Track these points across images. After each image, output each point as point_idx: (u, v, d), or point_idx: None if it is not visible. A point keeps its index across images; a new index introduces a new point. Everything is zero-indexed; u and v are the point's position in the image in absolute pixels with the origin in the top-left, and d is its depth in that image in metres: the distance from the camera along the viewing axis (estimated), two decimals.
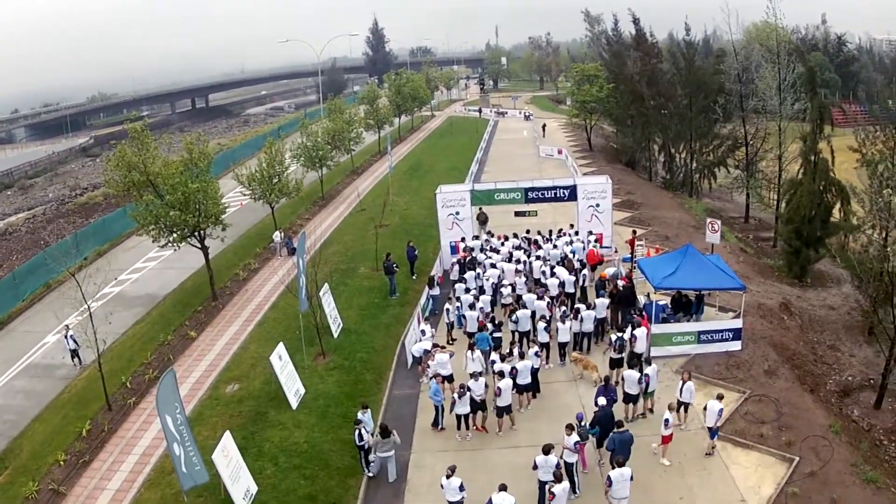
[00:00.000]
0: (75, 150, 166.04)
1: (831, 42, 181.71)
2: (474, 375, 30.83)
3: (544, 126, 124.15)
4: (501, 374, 31.26)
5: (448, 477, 24.48)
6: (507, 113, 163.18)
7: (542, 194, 51.68)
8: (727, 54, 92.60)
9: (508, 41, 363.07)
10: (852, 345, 45.00)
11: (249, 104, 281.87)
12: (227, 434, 25.74)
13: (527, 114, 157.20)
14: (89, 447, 33.01)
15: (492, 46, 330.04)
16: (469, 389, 30.42)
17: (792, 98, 69.66)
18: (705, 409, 28.91)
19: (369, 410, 29.92)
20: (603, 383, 31.12)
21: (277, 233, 60.50)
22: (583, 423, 28.71)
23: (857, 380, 39.15)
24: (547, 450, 25.22)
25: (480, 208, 55.30)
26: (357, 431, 28.68)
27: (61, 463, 31.86)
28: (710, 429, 28.83)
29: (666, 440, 28.54)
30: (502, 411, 30.94)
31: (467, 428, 31.29)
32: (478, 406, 30.96)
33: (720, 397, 29.38)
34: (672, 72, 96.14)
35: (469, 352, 34.44)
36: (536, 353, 34.21)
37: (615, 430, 27.54)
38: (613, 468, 25.06)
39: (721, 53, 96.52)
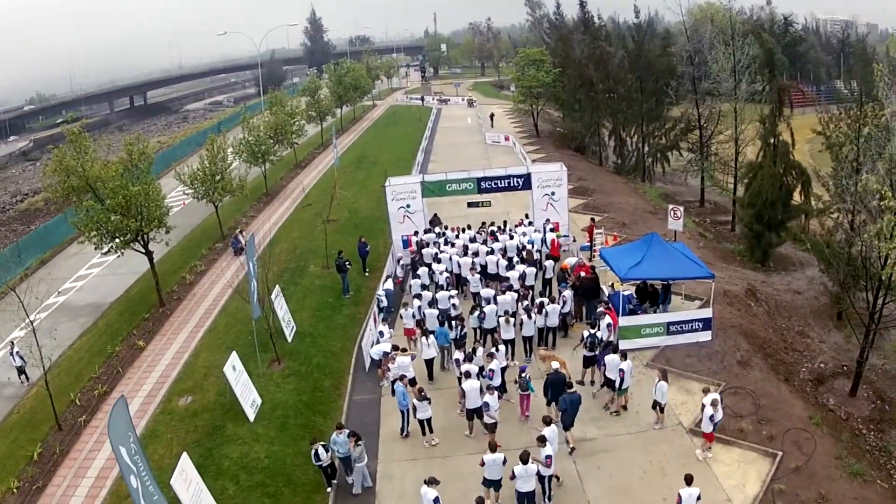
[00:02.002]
0: (15, 154, 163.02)
1: (777, 23, 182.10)
2: (490, 388, 29.26)
3: (492, 115, 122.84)
4: (468, 375, 29.99)
5: (427, 484, 23.43)
6: (449, 100, 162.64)
7: (496, 184, 50.60)
8: (672, 36, 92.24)
9: (447, 28, 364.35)
10: (821, 330, 44.75)
11: (188, 100, 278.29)
12: (185, 456, 24.28)
13: (470, 100, 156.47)
14: (42, 472, 31.33)
15: (430, 34, 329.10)
16: (487, 407, 28.78)
17: (747, 80, 69.12)
18: (703, 407, 28.00)
19: (345, 431, 27.91)
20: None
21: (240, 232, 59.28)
22: (523, 375, 30.68)
23: (829, 367, 38.83)
24: (525, 458, 24.15)
25: (435, 214, 54.11)
26: (314, 451, 27.14)
27: (14, 490, 30.23)
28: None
29: (709, 437, 27.78)
30: (472, 413, 29.81)
31: (431, 432, 30.16)
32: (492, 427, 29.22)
33: (706, 391, 28.71)
34: (621, 55, 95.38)
35: (424, 338, 34.30)
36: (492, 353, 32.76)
37: (565, 391, 28.27)
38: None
39: (667, 35, 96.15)
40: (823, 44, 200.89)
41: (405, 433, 30.87)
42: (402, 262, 47.40)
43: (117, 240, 44.50)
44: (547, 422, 26.28)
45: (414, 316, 37.80)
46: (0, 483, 30.88)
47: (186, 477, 23.75)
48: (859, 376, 35.65)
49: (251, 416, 32.13)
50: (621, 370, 30.21)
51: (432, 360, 34.74)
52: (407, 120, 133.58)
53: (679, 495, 23.19)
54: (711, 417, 27.14)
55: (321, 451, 27.03)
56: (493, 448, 24.98)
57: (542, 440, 25.24)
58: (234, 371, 32.12)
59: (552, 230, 48.19)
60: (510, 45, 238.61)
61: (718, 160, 77.77)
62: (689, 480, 23.39)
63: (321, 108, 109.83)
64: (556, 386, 29.23)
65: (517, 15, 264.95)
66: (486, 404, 28.45)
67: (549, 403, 29.80)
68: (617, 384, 30.61)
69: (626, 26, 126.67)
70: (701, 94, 77.91)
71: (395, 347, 34.53)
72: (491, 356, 31.87)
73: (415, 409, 29.66)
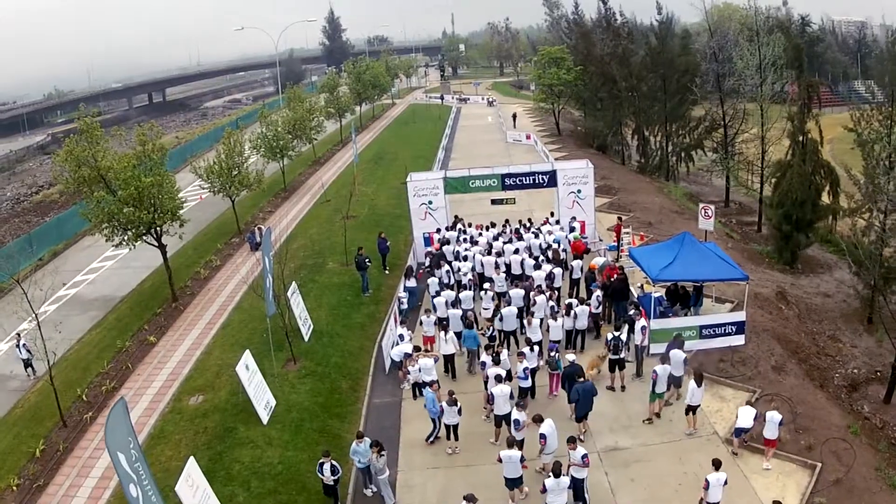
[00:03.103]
0: (33, 148, 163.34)
1: (794, 23, 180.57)
2: (519, 404, 27.41)
3: (515, 115, 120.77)
4: (499, 379, 28.64)
5: (467, 501, 22.02)
6: (469, 99, 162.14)
7: (521, 180, 49.38)
8: (691, 36, 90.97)
9: (464, 28, 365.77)
10: (852, 334, 43.39)
11: (207, 97, 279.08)
12: (192, 461, 22.80)
13: (490, 99, 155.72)
14: (44, 469, 30.11)
15: (448, 34, 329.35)
16: (517, 424, 26.67)
17: (773, 77, 67.47)
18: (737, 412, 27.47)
19: (366, 440, 26.26)
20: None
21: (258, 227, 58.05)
22: (553, 354, 31.22)
23: (862, 372, 37.45)
24: (557, 470, 22.60)
25: (456, 216, 52.60)
26: (320, 465, 25.28)
27: (14, 488, 29.04)
28: (740, 429, 27.02)
29: (771, 444, 26.54)
30: (500, 420, 28.35)
31: (456, 439, 28.60)
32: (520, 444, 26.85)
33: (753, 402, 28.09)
34: (643, 53, 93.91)
35: (442, 332, 33.38)
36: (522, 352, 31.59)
37: (576, 380, 28.27)
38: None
39: (686, 35, 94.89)
40: (840, 44, 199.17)
41: (432, 440, 29.48)
42: (428, 258, 45.96)
43: (129, 232, 43.47)
44: (537, 420, 25.58)
45: (436, 323, 36.13)
46: (1, 479, 29.76)
47: (193, 483, 22.29)
48: (895, 382, 34.26)
49: (264, 419, 30.68)
50: (655, 372, 29.06)
51: (452, 356, 33.73)
52: (426, 118, 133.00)
53: (707, 481, 22.85)
54: (781, 423, 26.23)
55: (327, 468, 25.15)
56: (511, 444, 24.40)
57: (572, 441, 24.18)
58: (248, 370, 30.69)
59: (572, 230, 47.14)
60: (528, 45, 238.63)
61: (744, 159, 76.05)
62: (717, 465, 23.21)
63: (340, 104, 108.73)
64: (570, 377, 28.98)
65: (535, 15, 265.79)
66: (517, 421, 26.66)
67: (570, 401, 29.04)
68: (650, 388, 29.44)
69: (643, 27, 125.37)
70: (725, 91, 76.15)
71: (416, 349, 33.40)
72: (521, 355, 30.77)
73: (442, 413, 28.24)
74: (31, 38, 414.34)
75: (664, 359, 29.53)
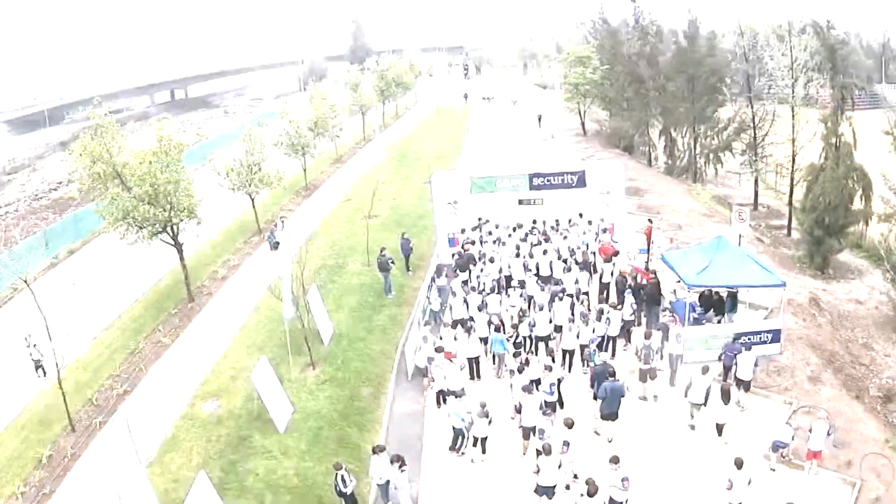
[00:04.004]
0: (53, 144, 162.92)
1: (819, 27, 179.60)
2: (546, 411, 26.76)
3: (540, 117, 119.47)
4: (527, 390, 27.48)
5: None
6: (492, 98, 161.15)
7: (549, 181, 47.59)
8: (717, 37, 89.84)
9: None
10: (885, 342, 41.93)
11: (229, 95, 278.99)
12: (202, 475, 21.51)
13: (513, 99, 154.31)
14: (50, 476, 28.98)
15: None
16: (542, 434, 25.74)
17: (805, 79, 66.00)
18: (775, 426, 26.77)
19: (385, 454, 24.97)
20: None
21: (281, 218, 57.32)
22: (589, 348, 31.54)
23: None
24: (593, 490, 21.25)
25: (479, 218, 51.48)
26: (339, 476, 24.06)
27: (19, 496, 27.96)
28: (778, 443, 26.29)
29: (815, 455, 25.89)
30: (528, 432, 27.19)
31: (483, 451, 27.46)
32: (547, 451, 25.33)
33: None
34: (672, 52, 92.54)
35: (465, 334, 32.72)
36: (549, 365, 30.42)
37: (607, 378, 27.97)
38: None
39: (713, 36, 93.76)
40: (865, 48, 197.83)
41: (461, 452, 28.27)
42: (454, 259, 44.82)
43: (145, 230, 42.26)
44: (569, 424, 25.33)
45: (454, 330, 34.79)
46: (5, 486, 28.69)
47: (202, 501, 21.02)
48: None
49: (281, 427, 29.53)
50: (690, 378, 28.32)
51: (476, 358, 32.98)
52: (450, 117, 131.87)
53: (730, 482, 23.00)
54: (829, 431, 25.57)
55: (346, 477, 24.00)
56: (549, 452, 23.70)
57: (615, 460, 23.06)
58: (264, 376, 29.49)
59: (605, 231, 46.00)
60: (553, 45, 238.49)
61: (773, 162, 74.54)
62: (739, 465, 23.14)
63: (363, 102, 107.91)
64: (601, 375, 28.86)
65: None
66: (542, 430, 25.69)
67: (595, 397, 29.03)
68: (684, 393, 28.79)
69: (666, 29, 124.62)
70: (755, 92, 74.72)
71: (438, 350, 32.00)
72: (549, 368, 29.42)
73: (471, 424, 27.13)
74: (53, 36, 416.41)
75: (706, 369, 28.38)
